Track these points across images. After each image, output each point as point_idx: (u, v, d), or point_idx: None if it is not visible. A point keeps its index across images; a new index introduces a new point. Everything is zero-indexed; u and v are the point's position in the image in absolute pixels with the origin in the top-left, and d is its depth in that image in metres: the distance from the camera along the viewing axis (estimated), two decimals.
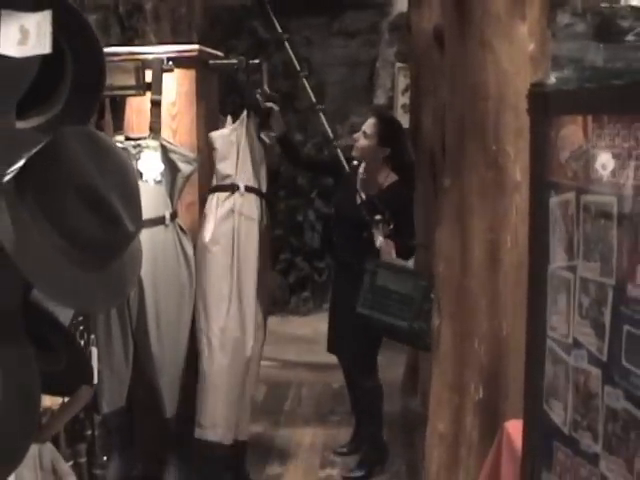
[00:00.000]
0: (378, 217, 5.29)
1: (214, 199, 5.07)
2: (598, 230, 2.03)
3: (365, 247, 5.31)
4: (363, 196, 5.45)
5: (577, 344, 2.16)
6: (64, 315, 2.28)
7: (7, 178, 1.84)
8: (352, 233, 5.49)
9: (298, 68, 5.96)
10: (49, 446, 2.34)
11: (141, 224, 1.98)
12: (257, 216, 5.13)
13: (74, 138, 1.91)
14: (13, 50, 1.74)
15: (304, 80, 5.94)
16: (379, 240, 5.27)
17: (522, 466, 2.58)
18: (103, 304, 2.18)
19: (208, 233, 4.98)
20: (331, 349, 5.86)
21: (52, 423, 2.28)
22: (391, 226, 5.27)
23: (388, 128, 5.64)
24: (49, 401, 2.37)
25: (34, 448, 2.18)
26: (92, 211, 1.84)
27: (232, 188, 5.06)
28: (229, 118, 5.26)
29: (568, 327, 2.21)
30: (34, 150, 1.90)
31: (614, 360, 1.97)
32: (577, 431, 2.19)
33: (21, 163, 1.87)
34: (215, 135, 5.12)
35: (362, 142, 5.55)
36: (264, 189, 5.26)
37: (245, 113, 5.16)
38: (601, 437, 2.05)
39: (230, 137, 5.10)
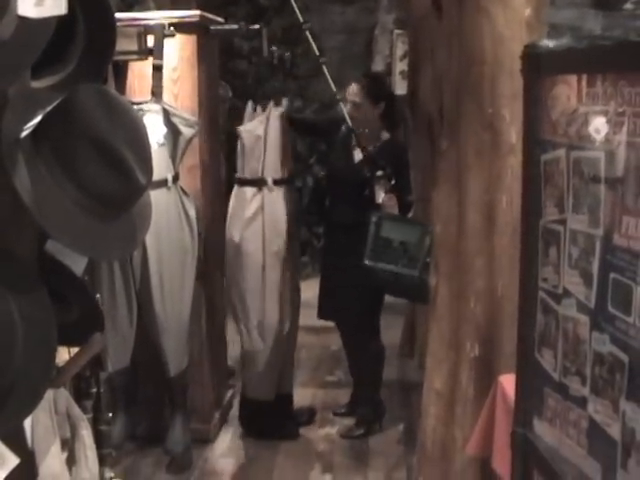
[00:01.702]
0: (380, 173, 5.21)
1: (244, 194, 5.38)
2: (587, 184, 2.13)
3: (366, 205, 5.24)
4: (361, 154, 5.35)
5: (567, 293, 2.26)
6: (76, 267, 2.37)
7: (24, 134, 1.92)
8: (351, 192, 5.39)
9: (317, 53, 5.65)
10: (63, 392, 2.42)
11: (151, 177, 2.07)
12: (284, 208, 5.40)
13: (87, 95, 1.99)
14: (30, 11, 1.79)
15: (323, 67, 5.58)
16: (381, 196, 5.21)
17: (515, 414, 2.69)
18: (115, 253, 2.27)
19: (237, 233, 5.38)
20: (325, 315, 5.78)
21: (66, 369, 2.37)
22: (393, 181, 5.23)
23: (373, 85, 5.55)
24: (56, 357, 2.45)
25: (49, 393, 2.26)
26: (106, 164, 1.93)
27: (260, 183, 5.35)
28: (258, 108, 5.43)
29: (558, 278, 2.31)
30: (49, 108, 1.98)
31: (601, 307, 2.07)
32: (566, 376, 2.29)
33: (37, 120, 1.95)
34: (241, 129, 5.36)
35: (356, 113, 5.40)
36: (291, 172, 5.55)
37: (272, 103, 5.38)
38: (589, 381, 2.16)
39: (256, 131, 5.31)
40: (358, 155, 5.40)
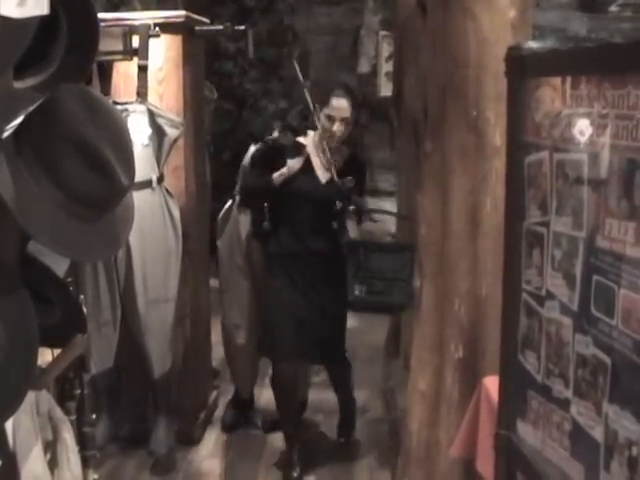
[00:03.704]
0: (352, 207, 4.89)
1: None
2: (570, 186, 2.13)
3: (336, 232, 4.96)
4: (326, 175, 4.97)
5: (550, 296, 2.26)
6: (58, 269, 2.36)
7: (6, 134, 1.92)
8: (320, 217, 4.96)
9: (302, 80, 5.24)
10: (45, 394, 2.42)
11: (134, 178, 2.06)
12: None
13: (70, 95, 1.98)
14: (12, 11, 1.79)
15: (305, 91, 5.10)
16: (353, 230, 4.95)
17: (498, 416, 2.69)
18: (97, 254, 2.27)
19: None
20: (307, 357, 5.19)
21: (48, 371, 2.36)
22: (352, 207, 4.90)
23: (355, 97, 5.05)
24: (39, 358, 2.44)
25: (31, 395, 2.26)
26: (88, 165, 1.92)
27: None
28: None
29: (542, 280, 2.31)
30: (31, 108, 1.97)
31: (584, 309, 2.07)
32: (550, 379, 2.29)
33: (19, 120, 1.94)
34: None
35: (344, 129, 4.91)
36: None
37: None
38: (572, 383, 2.16)
39: None
40: (324, 175, 4.99)
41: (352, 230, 4.97)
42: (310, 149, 4.98)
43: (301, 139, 5.03)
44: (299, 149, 4.94)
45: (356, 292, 4.78)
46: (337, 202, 4.86)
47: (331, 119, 4.85)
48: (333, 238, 4.97)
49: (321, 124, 4.89)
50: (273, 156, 4.98)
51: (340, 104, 4.85)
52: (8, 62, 1.92)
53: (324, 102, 4.88)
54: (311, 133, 5.06)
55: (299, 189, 4.92)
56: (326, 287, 4.99)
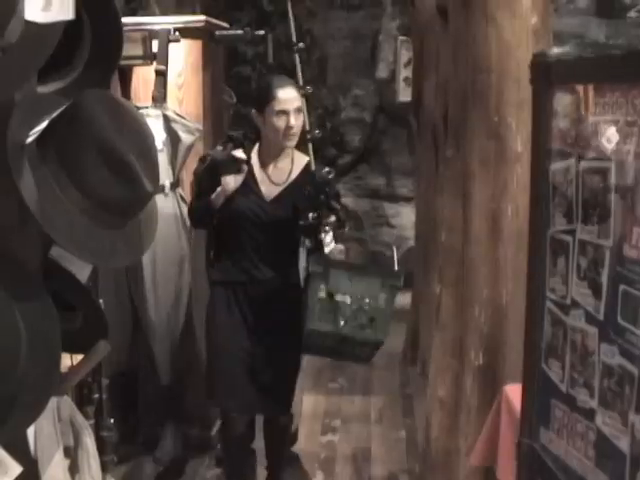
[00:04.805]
0: (333, 219, 4.10)
1: None
2: (596, 194, 2.11)
3: (290, 255, 4.39)
4: (274, 191, 4.32)
5: (575, 304, 2.25)
6: (81, 274, 2.35)
7: (30, 140, 1.91)
8: (269, 240, 4.29)
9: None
10: (67, 399, 2.41)
11: (158, 184, 2.06)
12: None
13: (94, 100, 1.98)
14: (37, 16, 1.78)
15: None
16: (331, 247, 4.09)
17: (521, 425, 2.67)
18: (122, 260, 2.25)
19: None
20: (234, 405, 4.43)
21: (70, 377, 2.36)
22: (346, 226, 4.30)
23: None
24: None
25: (53, 401, 2.25)
26: (112, 171, 1.91)
27: None
28: None
29: (567, 288, 2.29)
30: (55, 113, 1.97)
31: (610, 318, 2.05)
32: (574, 388, 2.28)
33: (43, 125, 1.94)
34: None
35: (300, 121, 4.21)
36: None
37: None
38: (597, 393, 2.14)
39: None
40: (270, 192, 4.33)
41: (328, 247, 4.11)
42: (254, 162, 4.32)
43: (239, 152, 4.31)
44: (238, 164, 4.25)
45: (314, 320, 4.08)
46: (310, 215, 4.09)
47: (284, 114, 4.12)
48: (286, 265, 4.37)
49: (270, 127, 4.19)
50: (215, 173, 4.28)
51: (289, 94, 4.15)
52: (33, 67, 1.91)
53: (264, 102, 4.17)
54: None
55: (239, 210, 4.26)
56: (275, 324, 4.33)
